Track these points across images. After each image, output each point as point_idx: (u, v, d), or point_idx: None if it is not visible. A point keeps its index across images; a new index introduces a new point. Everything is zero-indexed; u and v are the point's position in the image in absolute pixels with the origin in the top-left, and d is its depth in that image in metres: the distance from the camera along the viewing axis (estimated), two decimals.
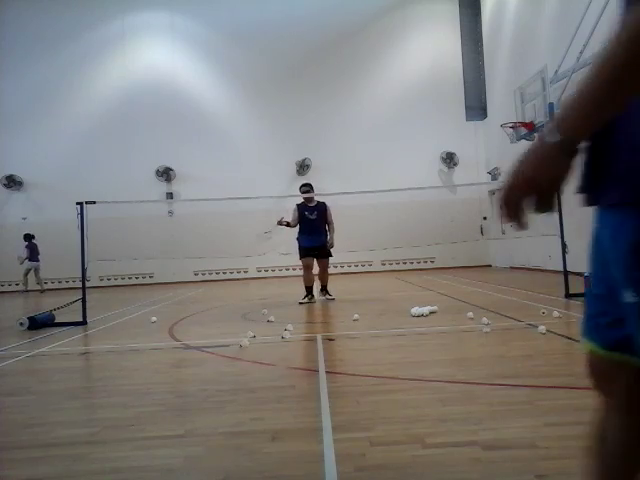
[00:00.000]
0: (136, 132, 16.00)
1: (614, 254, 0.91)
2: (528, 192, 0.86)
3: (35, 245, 14.14)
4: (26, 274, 14.11)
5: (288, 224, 7.64)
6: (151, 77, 16.24)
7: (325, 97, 16.12)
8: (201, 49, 16.39)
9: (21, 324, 5.98)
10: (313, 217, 7.61)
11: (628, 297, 0.87)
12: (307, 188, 7.80)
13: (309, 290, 7.56)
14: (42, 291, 14.16)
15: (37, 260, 14.09)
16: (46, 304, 7.90)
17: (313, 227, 7.62)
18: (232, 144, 16.06)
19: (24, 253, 13.96)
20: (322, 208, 7.71)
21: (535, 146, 0.86)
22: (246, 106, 16.34)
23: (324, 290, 7.83)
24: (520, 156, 0.87)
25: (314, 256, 7.63)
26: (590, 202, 0.94)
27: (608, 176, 0.89)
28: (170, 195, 16.07)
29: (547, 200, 0.86)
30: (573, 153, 0.83)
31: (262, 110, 16.15)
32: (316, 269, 7.70)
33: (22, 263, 13.88)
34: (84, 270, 6.39)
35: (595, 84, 0.79)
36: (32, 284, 14.26)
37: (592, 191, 0.93)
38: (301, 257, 7.69)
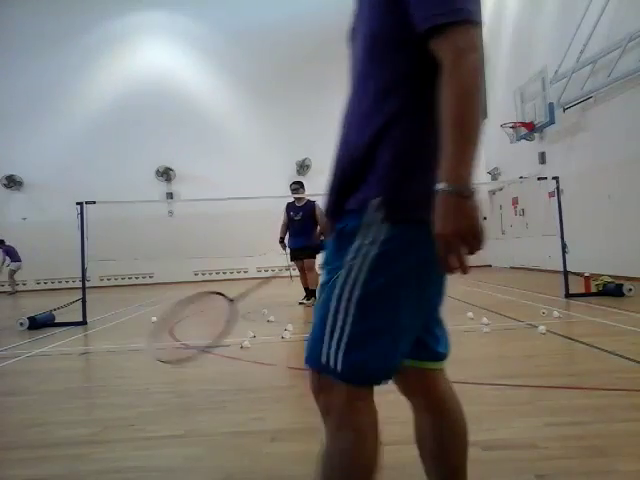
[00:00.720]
0: (136, 132, 15.98)
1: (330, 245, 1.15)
2: (461, 244, 0.95)
3: (11, 247, 14.05)
4: (11, 275, 14.06)
5: (282, 239, 7.42)
6: (151, 77, 16.22)
7: (325, 97, 16.06)
8: (201, 49, 16.38)
9: (21, 324, 5.98)
10: (297, 218, 7.29)
11: (323, 275, 1.12)
12: (296, 186, 7.46)
13: (307, 290, 7.51)
14: (13, 292, 14.08)
15: (19, 260, 14.06)
16: (45, 304, 7.89)
17: (297, 228, 7.29)
18: (232, 144, 16.05)
19: (4, 259, 13.92)
20: (309, 208, 7.32)
21: (447, 205, 0.94)
22: (246, 106, 16.34)
23: (311, 293, 7.14)
24: (439, 216, 0.95)
25: (301, 257, 7.30)
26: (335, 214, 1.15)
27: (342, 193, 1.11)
28: (170, 195, 16.06)
29: (478, 241, 0.96)
30: (473, 194, 0.95)
31: (262, 110, 16.14)
32: None
33: (0, 272, 13.82)
34: (84, 270, 6.39)
35: (460, 139, 0.93)
36: (31, 285, 14.27)
37: (335, 206, 1.14)
38: (291, 259, 7.45)
